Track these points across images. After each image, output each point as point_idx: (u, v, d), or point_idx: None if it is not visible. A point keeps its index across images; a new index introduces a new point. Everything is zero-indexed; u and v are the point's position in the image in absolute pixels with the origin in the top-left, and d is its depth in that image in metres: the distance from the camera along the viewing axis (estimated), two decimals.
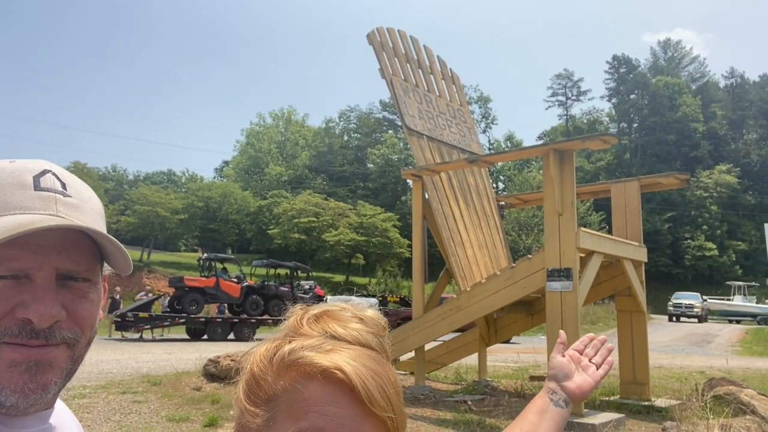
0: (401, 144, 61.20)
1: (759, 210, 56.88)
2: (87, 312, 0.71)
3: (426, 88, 9.30)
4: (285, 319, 0.70)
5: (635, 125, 67.73)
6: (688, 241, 52.98)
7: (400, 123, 9.19)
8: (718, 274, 47.36)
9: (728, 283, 41.86)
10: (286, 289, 23.02)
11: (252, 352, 0.68)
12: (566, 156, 6.56)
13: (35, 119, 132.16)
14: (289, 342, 0.65)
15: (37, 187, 0.69)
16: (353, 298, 26.78)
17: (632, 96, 66.66)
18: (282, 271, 25.13)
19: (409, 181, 8.58)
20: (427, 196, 8.10)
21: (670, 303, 36.00)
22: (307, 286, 24.57)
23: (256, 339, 20.30)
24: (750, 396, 6.57)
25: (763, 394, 6.82)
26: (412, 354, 8.16)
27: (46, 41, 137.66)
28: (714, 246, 52.30)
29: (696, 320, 34.35)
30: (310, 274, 27.34)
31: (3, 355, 0.65)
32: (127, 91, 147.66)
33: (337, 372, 0.60)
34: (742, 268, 53.03)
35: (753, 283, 42.14)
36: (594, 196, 10.16)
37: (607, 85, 69.58)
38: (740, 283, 40.81)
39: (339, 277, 47.91)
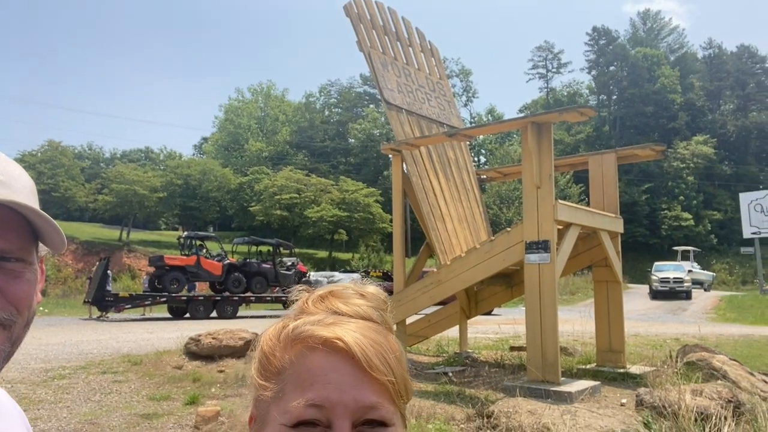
0: (382, 119, 60.71)
1: (734, 180, 57.91)
2: (23, 292, 0.68)
3: (405, 61, 9.18)
4: (294, 300, 0.76)
5: (614, 97, 67.97)
6: (665, 211, 53.84)
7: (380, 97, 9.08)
8: (693, 243, 48.22)
9: (674, 248, 40.62)
10: (268, 266, 22.94)
11: (263, 333, 0.74)
12: (544, 129, 6.56)
13: (6, 96, 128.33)
14: (295, 320, 0.70)
15: None
16: (335, 273, 26.83)
17: (612, 68, 66.71)
18: (264, 248, 25.02)
19: (390, 156, 8.53)
20: (407, 171, 8.07)
21: (654, 278, 30.15)
22: (289, 263, 24.50)
23: (239, 317, 20.31)
24: (722, 362, 6.75)
25: (734, 360, 7.03)
26: (393, 328, 8.21)
27: (14, 16, 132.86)
28: (690, 216, 53.25)
29: (685, 297, 29.09)
30: (293, 250, 27.27)
31: None
32: (101, 67, 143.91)
33: (337, 341, 0.64)
34: (717, 237, 54.22)
35: (695, 249, 41.14)
36: (573, 169, 10.22)
37: (587, 57, 69.56)
38: (685, 248, 39.66)
39: (322, 254, 47.91)
